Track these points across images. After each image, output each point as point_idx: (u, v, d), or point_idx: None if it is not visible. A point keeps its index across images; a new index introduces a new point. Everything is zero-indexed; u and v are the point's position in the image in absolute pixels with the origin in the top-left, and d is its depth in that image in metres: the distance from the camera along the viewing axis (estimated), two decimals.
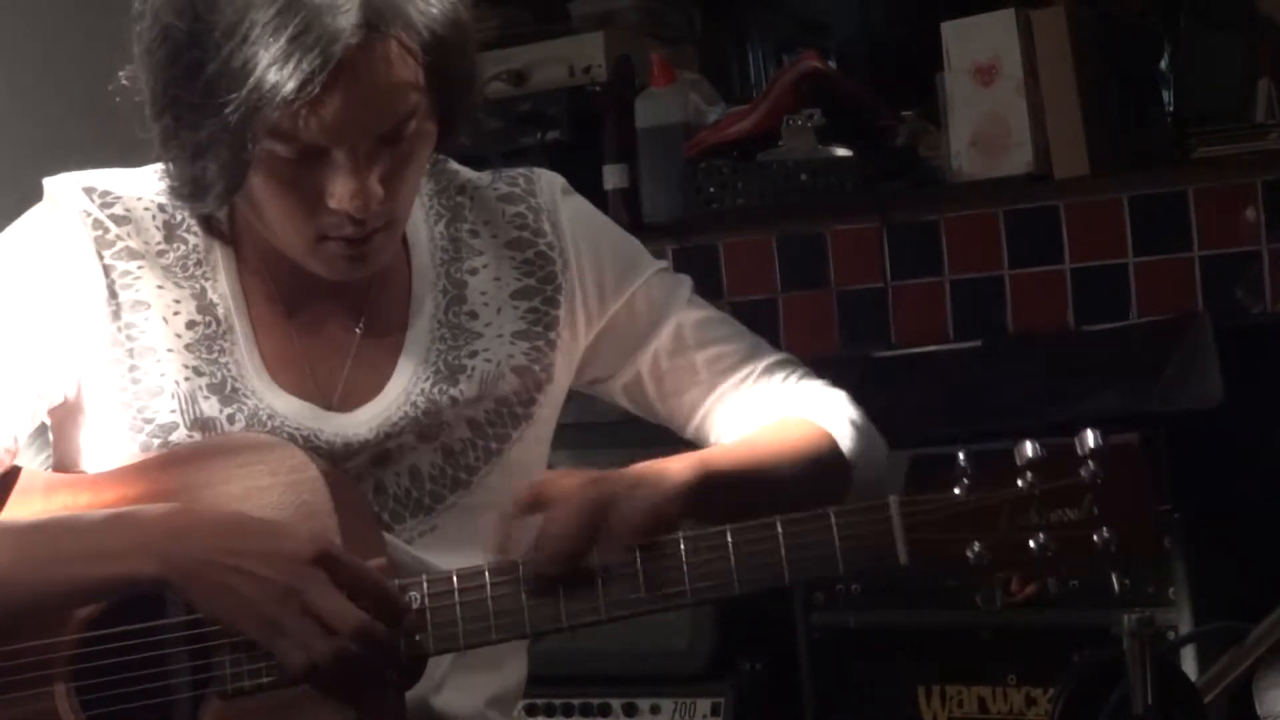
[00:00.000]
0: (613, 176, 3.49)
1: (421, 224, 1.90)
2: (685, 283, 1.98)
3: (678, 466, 1.72)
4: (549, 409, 1.91)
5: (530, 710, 3.04)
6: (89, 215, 1.81)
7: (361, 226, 1.72)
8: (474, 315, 1.88)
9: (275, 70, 1.61)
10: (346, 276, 1.78)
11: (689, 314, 1.95)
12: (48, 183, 1.84)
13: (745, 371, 1.95)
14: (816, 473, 1.85)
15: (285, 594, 1.63)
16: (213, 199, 1.72)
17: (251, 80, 1.61)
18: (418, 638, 1.68)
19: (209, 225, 1.82)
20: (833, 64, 3.46)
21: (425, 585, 1.69)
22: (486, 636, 1.69)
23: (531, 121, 3.53)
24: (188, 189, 1.73)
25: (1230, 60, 3.14)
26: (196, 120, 1.66)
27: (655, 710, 3.04)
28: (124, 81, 1.74)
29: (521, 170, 1.96)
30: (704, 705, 3.02)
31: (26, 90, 3.29)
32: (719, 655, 3.03)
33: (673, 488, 1.69)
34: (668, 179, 3.44)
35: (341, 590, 1.64)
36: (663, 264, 1.98)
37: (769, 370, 1.96)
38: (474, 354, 1.86)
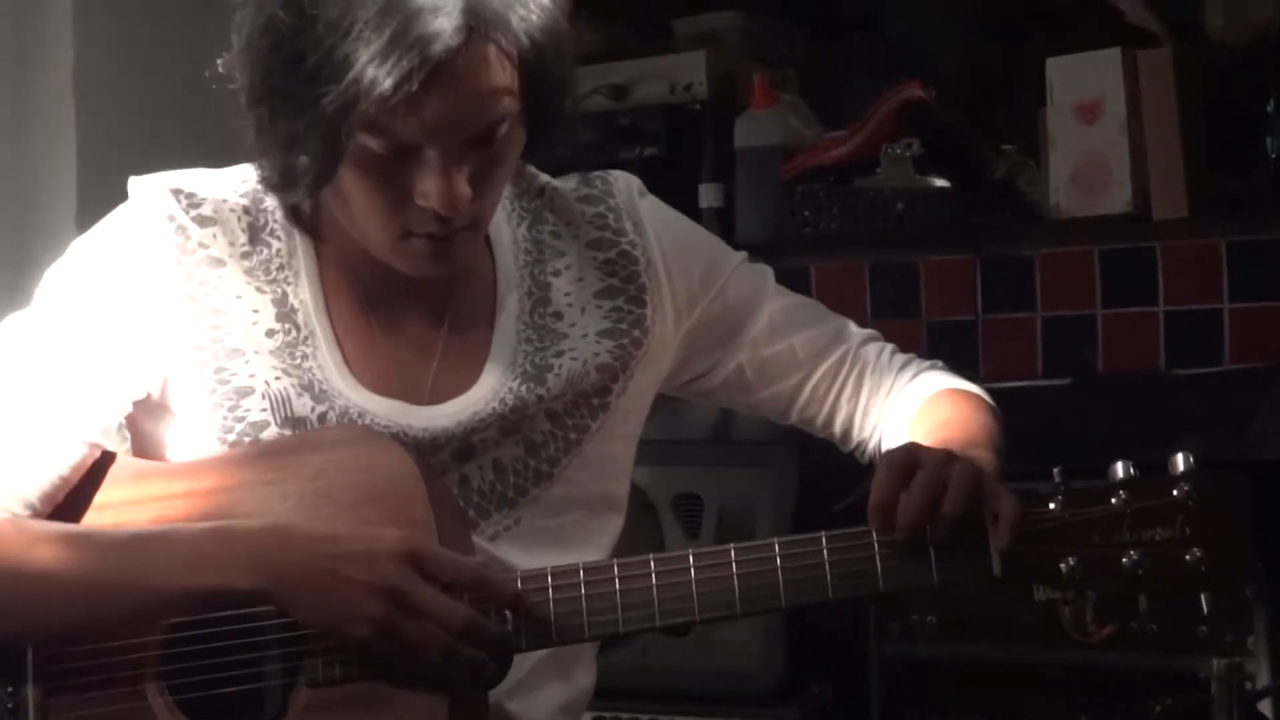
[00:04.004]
0: (708, 195, 3.49)
1: (504, 226, 1.91)
2: (768, 272, 2.03)
3: (978, 453, 1.77)
4: (627, 401, 1.92)
5: None
6: (173, 220, 1.82)
7: (446, 225, 1.74)
8: (559, 316, 1.90)
9: (374, 67, 1.62)
10: (429, 273, 1.80)
11: (778, 300, 2.00)
12: (135, 183, 1.86)
13: (841, 351, 2.00)
14: (1000, 428, 1.93)
15: (389, 595, 1.65)
16: (302, 189, 1.74)
17: (350, 75, 1.63)
18: (518, 627, 1.69)
19: (296, 215, 1.83)
20: (933, 94, 3.45)
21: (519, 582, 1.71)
22: (580, 634, 1.71)
23: (630, 136, 3.53)
24: (278, 178, 1.75)
25: None
26: (293, 111, 1.67)
27: None
28: (220, 69, 1.76)
29: (597, 173, 1.98)
30: None
31: (134, 80, 3.33)
32: (789, 678, 3.03)
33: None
34: (763, 200, 3.44)
35: (439, 585, 1.66)
36: (743, 255, 2.01)
37: (863, 346, 2.02)
38: (560, 354, 1.88)
